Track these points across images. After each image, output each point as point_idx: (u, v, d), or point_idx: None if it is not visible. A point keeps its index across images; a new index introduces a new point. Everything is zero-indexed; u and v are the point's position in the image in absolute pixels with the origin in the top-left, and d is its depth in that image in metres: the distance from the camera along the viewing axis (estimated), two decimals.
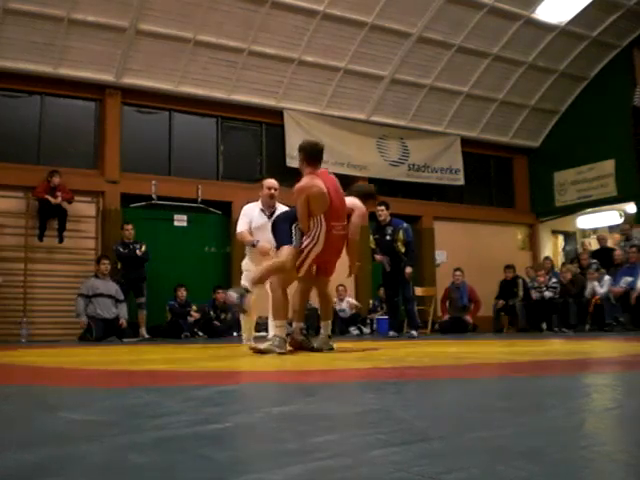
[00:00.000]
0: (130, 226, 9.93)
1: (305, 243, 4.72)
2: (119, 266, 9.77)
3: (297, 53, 11.35)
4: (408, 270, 8.69)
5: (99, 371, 3.68)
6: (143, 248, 9.85)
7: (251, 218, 6.19)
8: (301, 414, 1.79)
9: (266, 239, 5.80)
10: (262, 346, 4.63)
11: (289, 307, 4.86)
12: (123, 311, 9.46)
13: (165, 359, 4.73)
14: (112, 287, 9.43)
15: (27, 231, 9.91)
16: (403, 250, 8.69)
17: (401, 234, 8.71)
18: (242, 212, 6.34)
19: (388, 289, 9.21)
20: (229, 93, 11.38)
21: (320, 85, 11.97)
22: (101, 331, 9.08)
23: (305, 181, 4.72)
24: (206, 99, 11.28)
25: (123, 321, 9.40)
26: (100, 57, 10.24)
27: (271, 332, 4.92)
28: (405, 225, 8.92)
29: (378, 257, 8.87)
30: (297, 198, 4.68)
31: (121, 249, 9.76)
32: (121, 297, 9.47)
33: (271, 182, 6.24)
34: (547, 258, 13.29)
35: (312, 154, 4.85)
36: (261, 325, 11.10)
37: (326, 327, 5.09)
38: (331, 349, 4.92)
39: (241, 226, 6.23)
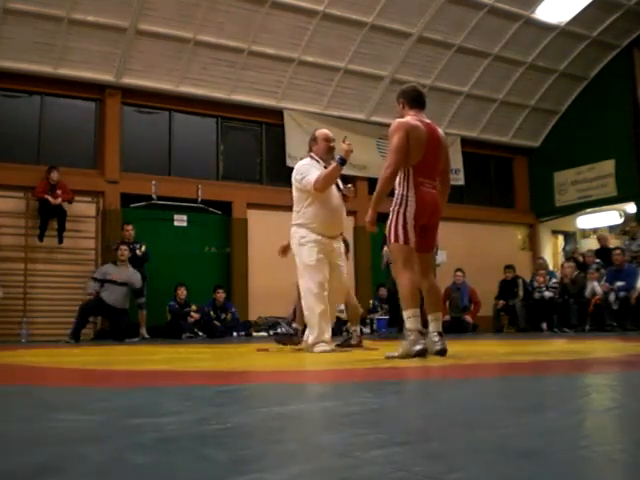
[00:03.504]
0: (130, 226, 9.92)
1: (394, 209, 4.00)
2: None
3: (297, 53, 11.35)
4: None
5: (99, 371, 3.68)
6: (143, 248, 9.83)
7: (318, 170, 4.99)
8: (301, 414, 1.79)
9: (337, 203, 5.02)
10: (397, 353, 3.89)
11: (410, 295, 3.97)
12: (126, 297, 9.17)
13: (165, 359, 4.73)
14: (127, 274, 9.14)
15: (27, 231, 9.91)
16: None
17: None
18: (303, 167, 5.04)
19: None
20: (229, 93, 11.38)
21: (320, 85, 11.97)
22: (94, 311, 8.95)
23: (408, 119, 4.08)
24: (206, 99, 11.27)
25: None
26: (100, 57, 10.23)
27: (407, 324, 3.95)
28: None
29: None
30: (393, 134, 4.00)
31: (116, 247, 9.74)
32: (137, 285, 9.23)
33: (326, 133, 5.22)
34: (540, 258, 13.34)
35: (413, 96, 4.24)
36: (260, 325, 11.14)
37: (436, 322, 4.06)
38: (443, 352, 3.94)
39: (313, 175, 4.91)
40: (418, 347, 3.78)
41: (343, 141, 4.89)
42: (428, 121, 4.18)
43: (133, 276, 9.23)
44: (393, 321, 9.23)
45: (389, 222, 4.03)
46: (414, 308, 3.92)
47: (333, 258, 5.06)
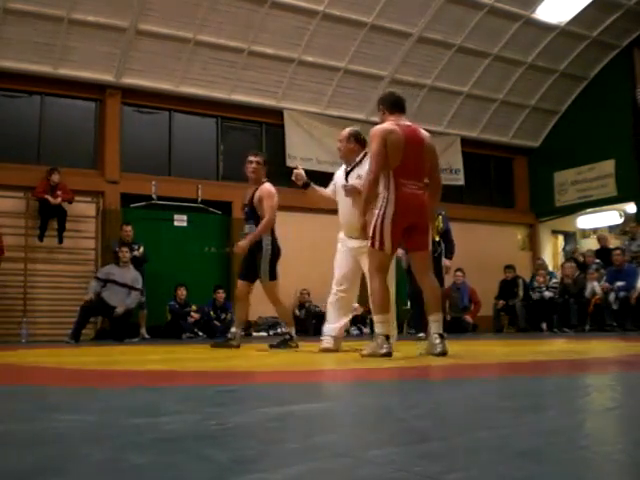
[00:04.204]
0: (129, 227, 9.89)
1: (376, 212, 4.11)
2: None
3: (297, 53, 11.35)
4: (447, 263, 7.68)
5: (99, 371, 3.68)
6: (141, 250, 9.80)
7: (335, 180, 5.23)
8: (301, 414, 1.79)
9: (343, 205, 5.03)
10: (365, 351, 4.14)
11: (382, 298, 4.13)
12: (129, 299, 8.99)
13: (165, 359, 4.74)
14: (129, 275, 9.09)
15: (27, 231, 9.90)
16: (437, 239, 7.58)
17: (439, 221, 7.64)
18: None
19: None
20: (229, 93, 11.38)
21: (320, 85, 11.97)
22: (94, 312, 8.97)
23: (384, 125, 4.19)
24: (206, 99, 11.27)
25: (119, 309, 8.81)
26: (100, 57, 10.23)
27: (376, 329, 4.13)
28: (443, 212, 7.93)
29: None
30: (372, 141, 4.14)
31: (118, 249, 9.72)
32: (137, 286, 9.12)
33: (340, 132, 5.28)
34: (539, 258, 13.35)
35: (391, 101, 4.33)
36: (260, 325, 11.14)
37: (437, 323, 4.10)
38: (444, 354, 3.97)
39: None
40: (383, 351, 3.97)
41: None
42: (408, 123, 4.25)
43: (134, 278, 9.21)
44: (417, 323, 8.66)
45: (370, 225, 4.15)
46: (383, 314, 4.09)
47: (359, 256, 5.00)
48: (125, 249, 9.27)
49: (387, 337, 4.04)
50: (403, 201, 4.04)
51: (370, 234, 4.12)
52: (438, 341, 4.00)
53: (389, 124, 4.17)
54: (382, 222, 4.04)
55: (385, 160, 4.06)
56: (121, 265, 9.18)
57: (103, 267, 9.50)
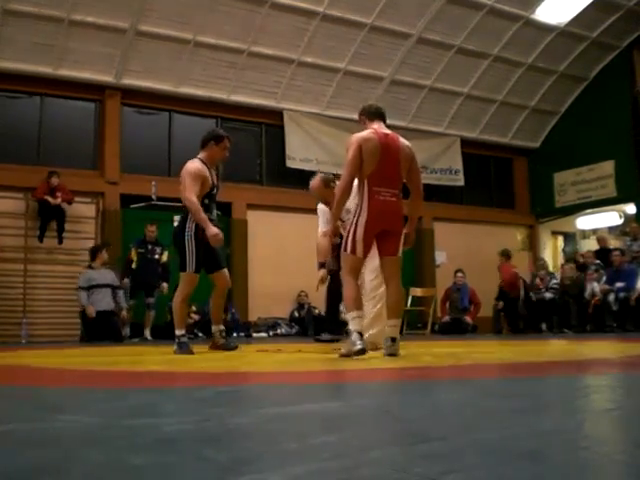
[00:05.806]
0: (154, 227, 9.83)
1: (350, 217, 4.25)
2: (134, 265, 9.66)
3: (297, 54, 11.35)
4: None
5: (99, 371, 3.68)
6: (165, 255, 9.78)
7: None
8: (301, 414, 1.79)
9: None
10: (344, 350, 4.12)
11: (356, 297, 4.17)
12: (121, 299, 9.21)
13: (165, 360, 4.74)
14: (107, 275, 9.19)
15: (27, 232, 9.90)
16: None
17: None
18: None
19: None
20: (229, 93, 11.38)
21: (320, 86, 11.98)
22: (95, 324, 8.93)
23: (362, 133, 4.30)
24: (206, 99, 11.28)
25: (124, 313, 9.16)
26: (100, 58, 10.24)
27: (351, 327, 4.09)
28: None
29: None
30: (348, 148, 4.23)
31: (139, 248, 9.70)
32: (117, 283, 9.26)
33: None
34: (540, 259, 13.35)
35: (370, 111, 4.50)
36: (260, 326, 11.14)
37: (394, 328, 4.18)
38: (394, 354, 4.06)
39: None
40: (357, 347, 3.93)
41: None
42: (388, 132, 4.33)
43: (113, 277, 9.25)
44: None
45: (346, 231, 4.27)
46: (357, 310, 4.11)
47: None
48: (102, 254, 9.30)
49: (360, 334, 4.01)
50: (375, 209, 4.12)
51: (344, 240, 4.23)
52: (389, 344, 4.08)
53: (367, 132, 4.28)
54: (355, 229, 4.15)
55: (358, 167, 4.15)
56: (96, 267, 9.20)
57: (81, 276, 9.23)
